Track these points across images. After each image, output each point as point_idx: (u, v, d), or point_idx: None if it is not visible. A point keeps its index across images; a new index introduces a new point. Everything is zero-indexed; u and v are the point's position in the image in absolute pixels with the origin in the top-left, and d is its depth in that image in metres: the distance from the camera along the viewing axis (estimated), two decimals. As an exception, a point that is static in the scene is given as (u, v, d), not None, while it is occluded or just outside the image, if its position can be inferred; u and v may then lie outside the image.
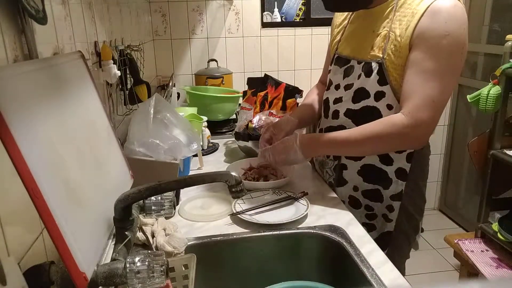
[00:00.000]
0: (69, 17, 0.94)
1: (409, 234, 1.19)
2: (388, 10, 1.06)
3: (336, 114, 1.16)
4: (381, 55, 1.04)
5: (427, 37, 0.96)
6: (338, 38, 1.23)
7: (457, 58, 0.99)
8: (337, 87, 1.18)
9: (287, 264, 0.99)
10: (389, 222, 1.16)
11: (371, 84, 1.07)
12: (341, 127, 1.14)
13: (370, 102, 1.08)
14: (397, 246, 1.17)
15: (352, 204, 1.18)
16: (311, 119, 1.34)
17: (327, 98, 1.21)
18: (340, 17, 1.25)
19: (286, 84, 1.54)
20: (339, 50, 1.21)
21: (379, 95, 1.06)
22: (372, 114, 1.07)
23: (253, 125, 1.40)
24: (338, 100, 1.16)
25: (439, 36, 0.95)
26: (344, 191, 1.20)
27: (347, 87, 1.14)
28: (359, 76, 1.10)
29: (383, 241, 1.09)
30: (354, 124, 1.11)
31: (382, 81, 1.05)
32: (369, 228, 1.16)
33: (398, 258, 1.15)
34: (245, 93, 1.59)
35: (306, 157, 1.12)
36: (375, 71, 1.05)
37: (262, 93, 1.52)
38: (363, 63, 1.09)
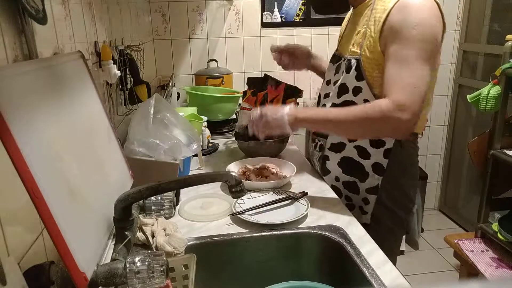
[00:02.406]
0: (69, 17, 0.94)
1: (394, 230, 1.21)
2: (367, 9, 1.12)
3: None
4: (359, 52, 1.10)
5: (398, 30, 1.00)
6: (339, 38, 1.31)
7: (431, 46, 1.01)
8: (328, 82, 1.25)
9: (287, 264, 0.99)
10: (364, 214, 1.19)
11: (350, 79, 1.12)
12: None
13: (349, 97, 1.13)
14: (381, 242, 1.17)
15: (335, 194, 1.22)
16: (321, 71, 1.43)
17: (320, 93, 1.29)
18: (346, 19, 1.33)
19: (286, 84, 1.54)
20: (337, 48, 1.29)
21: (357, 90, 1.11)
22: None
23: (253, 125, 1.40)
24: (327, 95, 1.23)
25: (408, 27, 0.99)
26: (327, 180, 1.27)
27: (335, 82, 1.19)
28: (343, 72, 1.16)
29: None
30: None
31: (359, 76, 1.10)
32: None
33: (385, 253, 1.15)
34: (245, 93, 1.59)
35: (293, 131, 1.12)
36: (353, 67, 1.11)
37: (262, 93, 1.52)
38: (345, 59, 1.15)
